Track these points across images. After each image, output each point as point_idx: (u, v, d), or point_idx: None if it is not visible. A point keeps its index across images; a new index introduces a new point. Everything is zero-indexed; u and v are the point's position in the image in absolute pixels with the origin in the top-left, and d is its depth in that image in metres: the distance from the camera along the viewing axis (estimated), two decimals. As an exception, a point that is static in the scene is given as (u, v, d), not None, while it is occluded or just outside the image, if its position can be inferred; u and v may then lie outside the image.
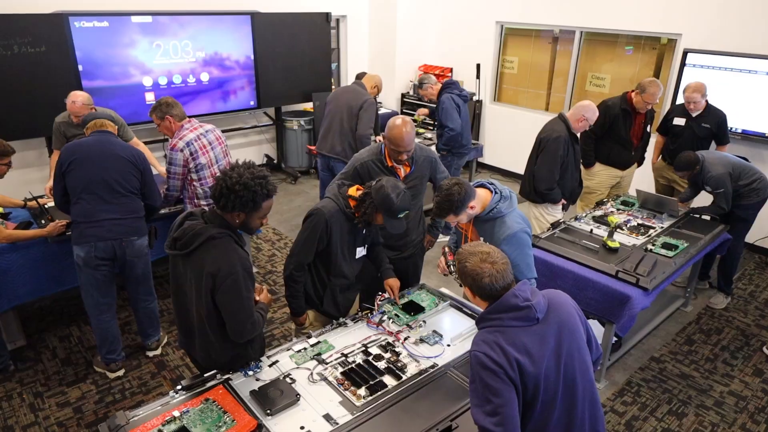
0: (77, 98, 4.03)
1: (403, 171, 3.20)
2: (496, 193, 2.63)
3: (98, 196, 3.20)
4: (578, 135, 4.17)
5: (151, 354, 3.80)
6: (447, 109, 5.11)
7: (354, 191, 2.70)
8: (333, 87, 7.62)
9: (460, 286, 2.00)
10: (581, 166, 4.58)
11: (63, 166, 3.19)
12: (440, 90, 5.27)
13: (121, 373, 3.63)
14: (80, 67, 5.34)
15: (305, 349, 2.47)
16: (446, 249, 2.92)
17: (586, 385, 1.85)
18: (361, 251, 2.88)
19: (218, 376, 2.27)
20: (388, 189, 2.54)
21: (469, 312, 2.81)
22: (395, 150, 3.04)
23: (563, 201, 4.24)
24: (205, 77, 6.24)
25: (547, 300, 1.86)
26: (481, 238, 2.71)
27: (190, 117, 3.75)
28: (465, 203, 2.52)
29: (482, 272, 1.81)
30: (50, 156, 4.40)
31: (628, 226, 3.98)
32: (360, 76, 5.33)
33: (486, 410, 1.72)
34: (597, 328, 3.87)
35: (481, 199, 2.60)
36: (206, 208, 3.69)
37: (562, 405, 1.81)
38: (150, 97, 5.88)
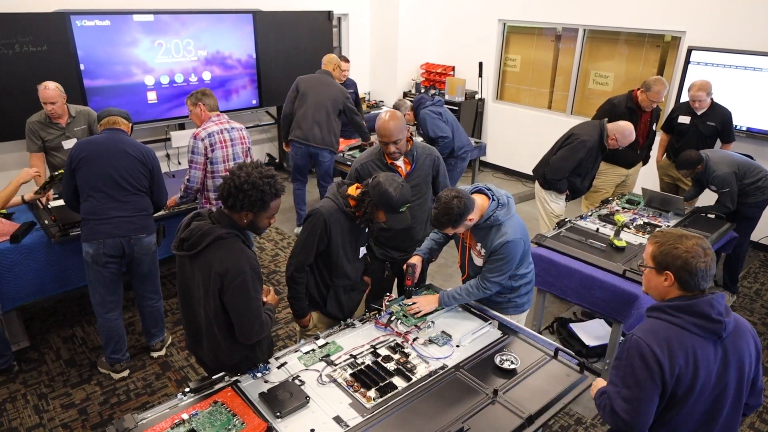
0: (50, 83, 3.93)
1: (404, 169, 3.18)
2: (493, 200, 2.59)
3: (107, 193, 3.20)
4: (607, 148, 4.16)
5: (155, 355, 3.78)
6: (429, 123, 4.97)
7: (353, 190, 2.67)
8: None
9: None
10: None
11: (73, 163, 3.18)
12: (414, 111, 5.14)
13: (125, 374, 3.61)
14: (82, 66, 5.31)
15: (313, 350, 2.45)
16: (410, 270, 2.87)
17: (728, 422, 1.85)
18: (363, 250, 2.86)
19: (226, 378, 2.26)
20: (385, 184, 2.51)
21: (477, 312, 2.80)
22: (382, 141, 3.03)
23: (567, 192, 4.36)
24: (207, 76, 6.21)
25: (735, 324, 1.80)
26: (479, 244, 2.69)
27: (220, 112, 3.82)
28: (464, 217, 2.48)
29: (698, 256, 1.73)
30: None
31: (634, 224, 3.96)
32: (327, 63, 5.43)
33: (623, 395, 1.75)
34: (604, 328, 3.86)
35: (478, 207, 2.56)
36: (214, 201, 3.72)
37: (700, 423, 1.80)
38: (152, 96, 5.86)
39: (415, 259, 2.94)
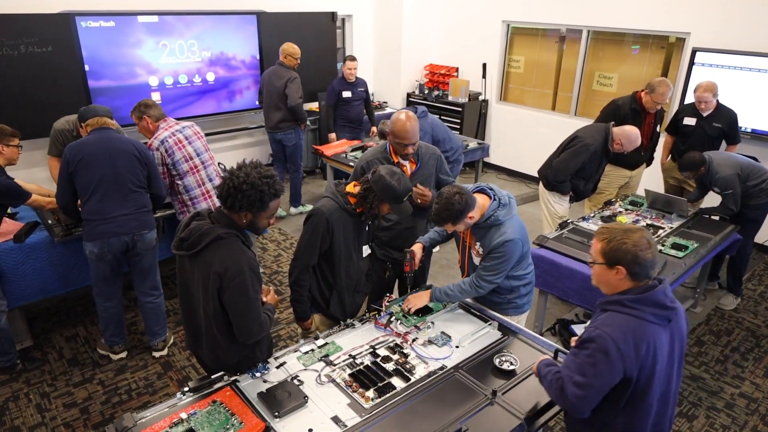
0: None
1: (409, 168, 3.18)
2: (494, 199, 2.59)
3: (108, 193, 3.24)
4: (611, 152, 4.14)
5: (157, 354, 3.80)
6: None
7: (351, 188, 2.67)
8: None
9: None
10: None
11: (70, 167, 3.20)
12: None
13: (124, 354, 3.72)
14: (87, 67, 5.35)
15: (313, 350, 2.45)
16: (408, 256, 2.88)
17: (675, 391, 2.00)
18: (366, 249, 2.86)
19: (225, 377, 2.26)
20: (387, 178, 2.53)
21: (477, 313, 2.79)
22: (400, 144, 3.03)
23: (571, 194, 4.36)
24: (211, 77, 6.24)
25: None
26: (477, 243, 2.69)
27: (186, 118, 3.91)
28: (464, 214, 2.49)
29: (645, 249, 1.83)
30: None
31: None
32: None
33: (576, 380, 1.84)
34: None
35: (479, 206, 2.57)
36: (189, 202, 3.79)
37: (660, 400, 1.92)
38: (156, 97, 5.88)
39: (416, 247, 2.95)
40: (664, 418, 1.98)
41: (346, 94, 6.17)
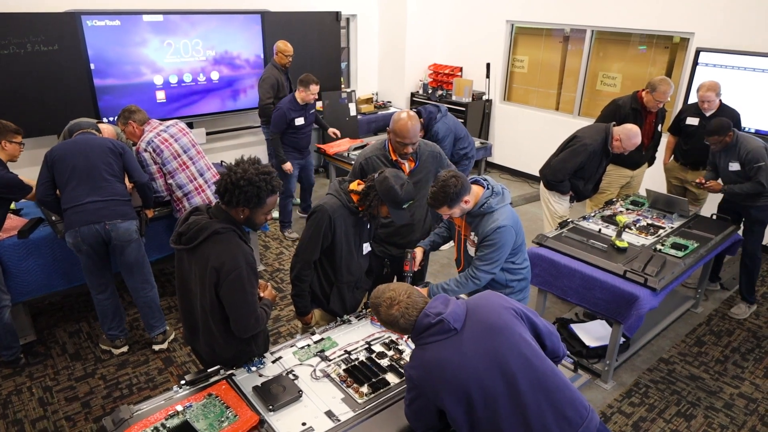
0: (110, 129, 4.10)
1: (407, 166, 3.20)
2: (487, 188, 2.70)
3: (81, 181, 3.34)
4: (611, 152, 4.12)
5: (157, 348, 3.83)
6: (442, 139, 4.61)
7: (355, 186, 2.70)
8: (342, 86, 7.64)
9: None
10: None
11: (48, 161, 3.35)
12: (426, 125, 4.49)
13: (125, 349, 3.78)
14: (92, 66, 5.39)
15: (308, 345, 2.48)
16: (409, 256, 2.94)
17: (532, 377, 1.80)
18: (367, 247, 2.88)
19: (221, 371, 2.29)
20: (391, 180, 2.55)
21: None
22: (401, 143, 3.05)
23: (571, 193, 4.35)
24: (215, 76, 6.27)
25: (466, 306, 1.93)
26: (472, 233, 2.75)
27: (177, 118, 4.03)
28: (460, 196, 2.57)
29: (394, 317, 1.90)
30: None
31: (637, 225, 3.94)
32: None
33: (407, 401, 1.97)
34: (606, 329, 3.85)
35: (474, 194, 2.67)
36: (184, 198, 3.84)
37: (509, 401, 1.79)
38: (161, 96, 5.93)
39: (417, 249, 3.02)
40: (524, 409, 1.78)
41: (299, 121, 5.28)
